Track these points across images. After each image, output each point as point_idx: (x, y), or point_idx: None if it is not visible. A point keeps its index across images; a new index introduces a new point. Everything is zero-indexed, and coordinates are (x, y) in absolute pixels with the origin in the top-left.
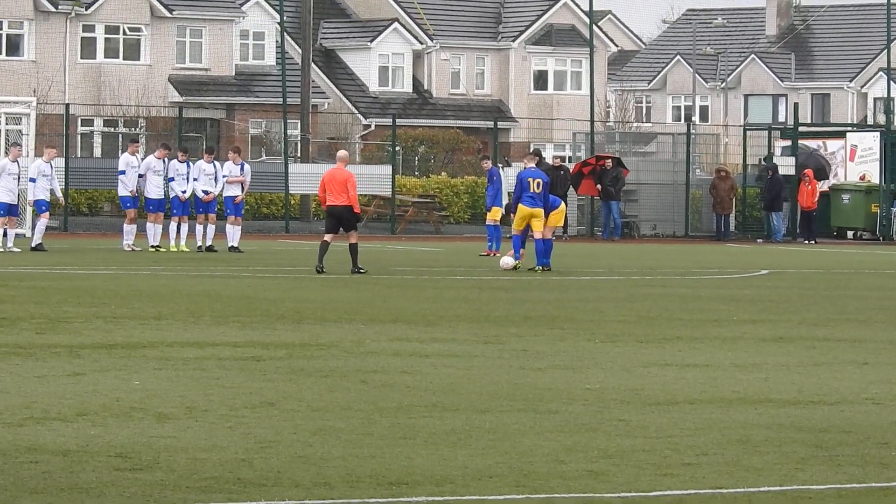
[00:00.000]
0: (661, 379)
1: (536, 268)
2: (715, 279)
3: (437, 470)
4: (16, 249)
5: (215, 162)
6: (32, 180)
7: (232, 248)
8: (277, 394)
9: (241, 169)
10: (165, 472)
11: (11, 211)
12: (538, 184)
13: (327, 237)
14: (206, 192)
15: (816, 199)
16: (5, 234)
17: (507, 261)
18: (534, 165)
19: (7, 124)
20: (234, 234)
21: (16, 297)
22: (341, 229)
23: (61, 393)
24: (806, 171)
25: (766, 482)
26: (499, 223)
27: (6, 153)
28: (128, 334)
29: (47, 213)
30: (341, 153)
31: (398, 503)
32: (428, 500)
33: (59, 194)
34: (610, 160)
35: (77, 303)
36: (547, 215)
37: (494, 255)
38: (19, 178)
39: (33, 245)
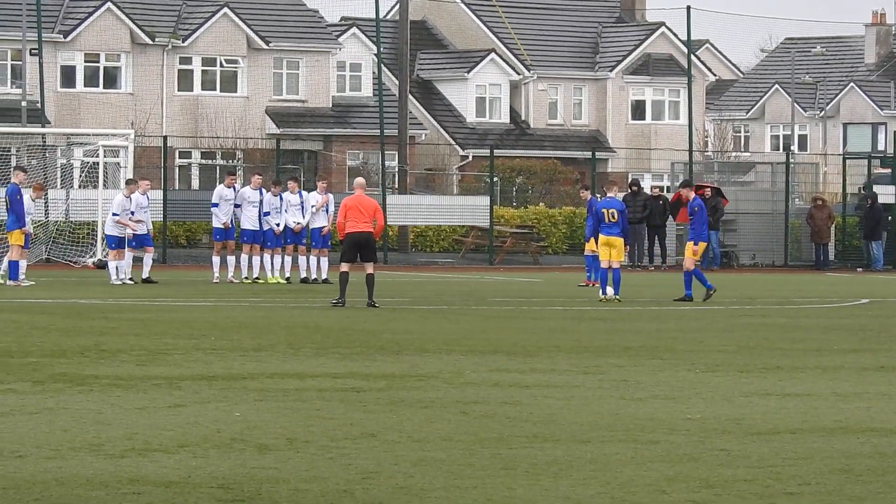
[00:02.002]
0: (762, 408)
1: (605, 297)
2: (815, 308)
3: (539, 500)
4: (129, 281)
5: (301, 192)
6: (132, 213)
7: (312, 280)
8: (378, 425)
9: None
10: None
11: (121, 244)
12: (612, 213)
13: (346, 267)
14: (296, 223)
15: None
16: (117, 268)
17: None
18: (612, 195)
19: (105, 157)
20: (323, 265)
21: (116, 329)
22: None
23: (162, 424)
24: None
25: None
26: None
27: (104, 185)
28: (228, 366)
29: (151, 247)
30: (359, 180)
31: None
32: None
33: (150, 226)
34: (709, 189)
35: (177, 335)
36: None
37: (593, 285)
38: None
39: (144, 277)
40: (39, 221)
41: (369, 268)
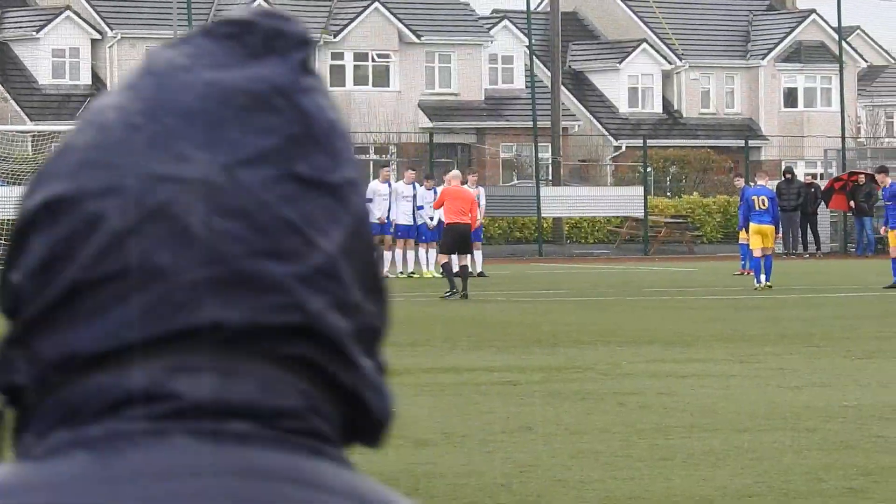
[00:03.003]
0: None
1: (759, 285)
2: None
3: (696, 490)
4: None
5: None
6: None
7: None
8: (535, 418)
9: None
10: (425, 498)
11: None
12: (762, 201)
13: (448, 258)
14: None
15: None
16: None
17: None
18: (762, 183)
19: None
20: (478, 259)
21: None
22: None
23: None
24: None
25: None
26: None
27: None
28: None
29: None
30: (455, 172)
31: None
32: None
33: None
34: (863, 175)
35: None
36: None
37: (749, 273)
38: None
39: None
40: None
41: (466, 259)
